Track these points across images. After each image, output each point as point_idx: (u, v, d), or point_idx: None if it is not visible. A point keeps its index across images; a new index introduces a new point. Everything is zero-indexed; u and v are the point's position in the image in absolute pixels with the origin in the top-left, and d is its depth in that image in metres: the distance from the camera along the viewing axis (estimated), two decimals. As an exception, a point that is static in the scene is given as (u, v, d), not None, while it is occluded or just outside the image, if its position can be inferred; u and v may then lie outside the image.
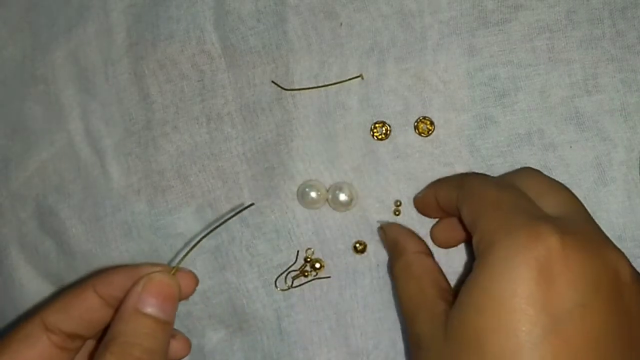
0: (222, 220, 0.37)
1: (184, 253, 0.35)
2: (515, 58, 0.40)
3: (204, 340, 0.42)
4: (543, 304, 0.28)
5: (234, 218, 0.38)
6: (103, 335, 0.34)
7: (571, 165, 0.39)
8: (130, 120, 0.43)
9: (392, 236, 0.39)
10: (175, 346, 0.37)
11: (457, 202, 0.35)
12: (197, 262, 0.41)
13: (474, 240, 0.32)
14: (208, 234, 0.36)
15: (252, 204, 0.38)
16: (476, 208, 0.33)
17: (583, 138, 0.39)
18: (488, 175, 0.38)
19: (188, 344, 0.37)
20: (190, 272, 0.34)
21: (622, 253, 0.31)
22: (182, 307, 0.42)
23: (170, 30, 0.42)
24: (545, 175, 0.36)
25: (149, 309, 0.32)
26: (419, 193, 0.40)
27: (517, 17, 0.40)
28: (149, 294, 0.32)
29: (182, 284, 0.33)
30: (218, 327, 0.42)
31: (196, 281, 0.34)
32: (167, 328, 0.32)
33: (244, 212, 0.41)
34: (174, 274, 0.33)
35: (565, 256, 0.29)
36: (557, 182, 0.36)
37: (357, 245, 0.40)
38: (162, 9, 0.42)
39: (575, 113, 0.40)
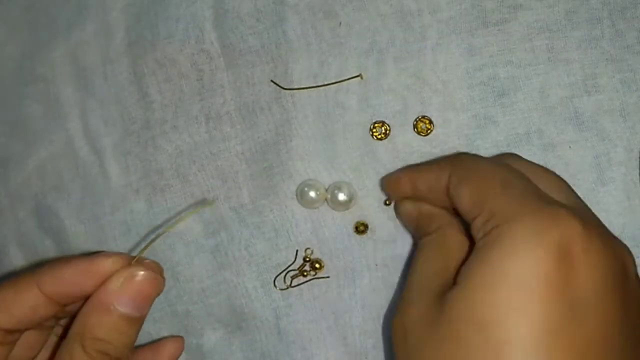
0: (181, 216, 0.37)
1: (145, 243, 0.34)
2: (515, 58, 0.40)
3: (202, 339, 0.42)
4: (562, 288, 0.27)
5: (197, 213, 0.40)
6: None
7: (570, 165, 0.39)
8: (129, 120, 0.43)
9: (427, 209, 0.36)
10: (169, 348, 0.37)
11: (450, 184, 0.33)
12: (195, 261, 0.41)
13: (478, 222, 0.30)
14: (169, 229, 0.36)
15: (212, 202, 0.39)
16: (482, 187, 0.31)
17: (582, 138, 0.39)
18: (480, 155, 0.37)
19: (180, 343, 0.38)
20: (154, 262, 0.32)
21: (628, 248, 0.31)
22: (181, 306, 0.42)
23: (169, 29, 0.42)
24: (530, 161, 0.35)
25: (125, 309, 0.30)
26: (389, 175, 0.39)
27: (517, 17, 0.40)
28: (127, 294, 0.30)
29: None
30: (217, 327, 0.42)
31: (161, 270, 0.32)
32: (140, 323, 0.31)
33: (243, 212, 0.41)
34: (135, 263, 0.31)
35: (587, 244, 0.28)
36: (543, 167, 0.35)
37: (359, 226, 0.40)
38: (161, 8, 0.42)
39: (574, 113, 0.40)
